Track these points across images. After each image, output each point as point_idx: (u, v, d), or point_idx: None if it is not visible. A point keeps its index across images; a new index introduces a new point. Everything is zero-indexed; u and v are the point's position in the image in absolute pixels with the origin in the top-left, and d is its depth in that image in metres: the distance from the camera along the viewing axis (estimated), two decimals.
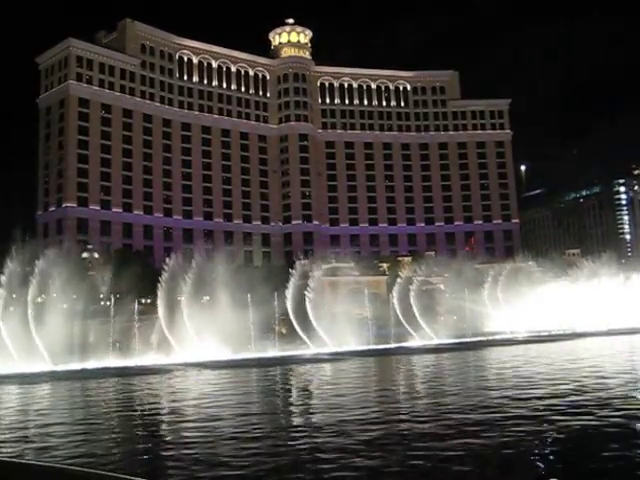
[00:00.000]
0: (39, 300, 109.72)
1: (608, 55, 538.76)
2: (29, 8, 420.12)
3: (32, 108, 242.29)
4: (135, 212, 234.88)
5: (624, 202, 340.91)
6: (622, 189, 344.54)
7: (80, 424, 34.96)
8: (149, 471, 23.24)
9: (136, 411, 41.86)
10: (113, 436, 30.73)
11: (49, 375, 70.69)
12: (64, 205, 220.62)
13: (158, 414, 39.88)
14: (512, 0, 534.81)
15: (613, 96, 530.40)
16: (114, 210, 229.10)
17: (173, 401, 46.43)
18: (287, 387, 56.24)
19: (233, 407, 39.86)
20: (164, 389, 57.73)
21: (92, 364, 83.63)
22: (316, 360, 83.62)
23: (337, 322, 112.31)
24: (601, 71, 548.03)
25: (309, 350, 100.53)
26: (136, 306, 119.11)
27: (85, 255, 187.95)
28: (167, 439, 30.06)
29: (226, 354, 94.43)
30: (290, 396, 46.81)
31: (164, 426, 34.81)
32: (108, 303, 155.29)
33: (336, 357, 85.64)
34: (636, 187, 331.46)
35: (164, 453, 26.43)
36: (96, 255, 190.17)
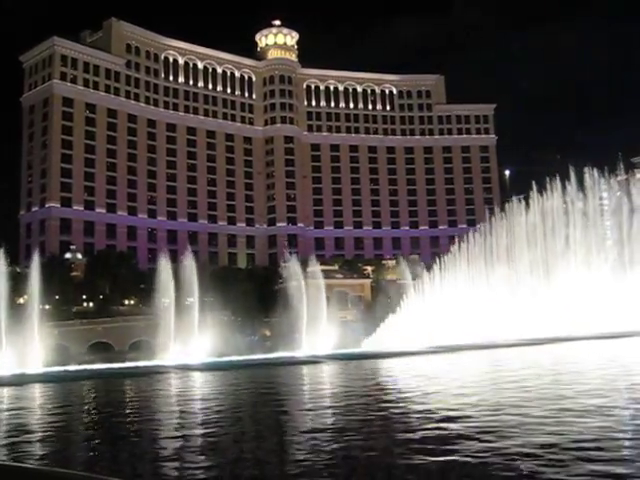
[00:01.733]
0: (21, 301, 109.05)
1: (595, 60, 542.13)
2: (13, 6, 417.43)
3: (16, 107, 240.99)
4: (119, 213, 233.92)
5: (606, 207, 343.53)
6: (605, 194, 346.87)
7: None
8: None
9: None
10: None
11: (31, 377, 69.96)
12: (47, 205, 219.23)
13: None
14: (497, 5, 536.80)
15: (599, 102, 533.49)
16: (98, 211, 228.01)
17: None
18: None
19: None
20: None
21: (74, 366, 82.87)
22: (298, 362, 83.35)
23: (321, 325, 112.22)
24: (587, 77, 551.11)
25: (293, 353, 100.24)
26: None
27: (68, 256, 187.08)
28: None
29: (210, 357, 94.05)
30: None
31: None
32: (91, 304, 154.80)
33: (316, 360, 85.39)
34: (618, 193, 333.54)
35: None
36: (79, 256, 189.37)
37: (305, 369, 76.03)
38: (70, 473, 9.48)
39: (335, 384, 56.77)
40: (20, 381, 66.11)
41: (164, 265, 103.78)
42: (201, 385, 62.69)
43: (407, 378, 57.54)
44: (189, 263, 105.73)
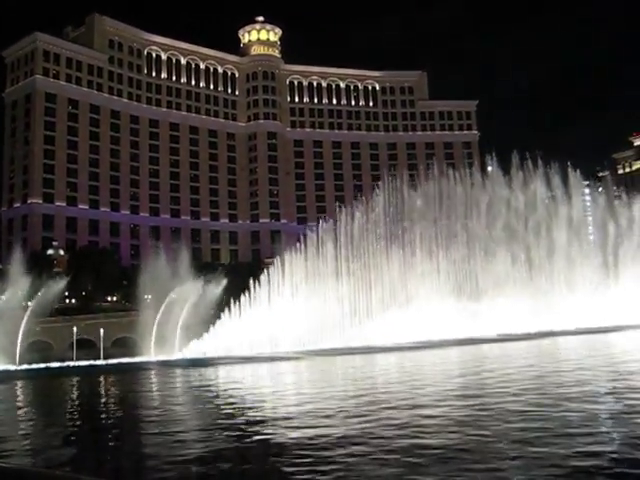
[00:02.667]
0: (2, 298, 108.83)
1: (577, 56, 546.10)
2: None
3: None
4: (102, 209, 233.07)
5: (588, 204, 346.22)
6: (587, 191, 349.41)
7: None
8: None
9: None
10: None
11: (14, 374, 70.15)
12: (29, 201, 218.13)
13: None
14: (481, 1, 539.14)
15: (579, 99, 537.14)
16: (80, 207, 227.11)
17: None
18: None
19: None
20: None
21: (57, 363, 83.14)
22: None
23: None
24: (570, 73, 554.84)
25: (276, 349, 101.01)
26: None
27: (50, 252, 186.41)
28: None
29: (193, 353, 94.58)
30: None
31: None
32: (74, 301, 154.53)
33: (301, 355, 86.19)
34: (600, 189, 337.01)
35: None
36: (61, 252, 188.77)
37: (284, 365, 76.75)
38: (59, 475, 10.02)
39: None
40: (3, 378, 66.35)
41: (147, 261, 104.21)
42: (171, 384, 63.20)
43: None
44: (172, 259, 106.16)
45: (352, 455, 23.11)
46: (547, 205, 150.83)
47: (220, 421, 33.02)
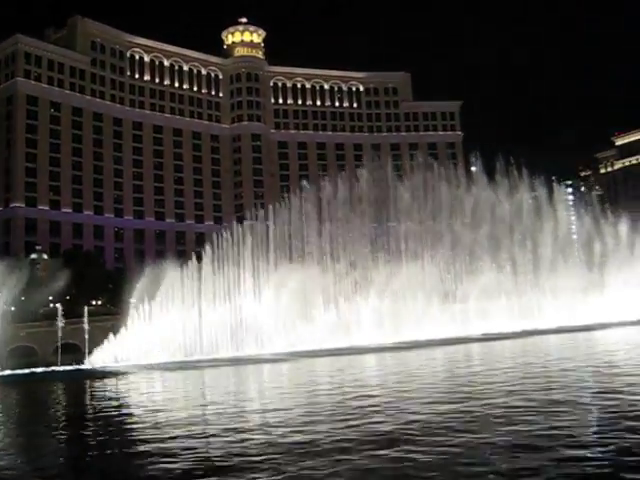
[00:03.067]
0: None
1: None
2: None
3: None
4: (85, 212, 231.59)
5: (571, 203, 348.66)
6: (569, 190, 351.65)
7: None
8: None
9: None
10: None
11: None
12: (12, 205, 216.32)
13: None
14: (465, 2, 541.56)
15: (567, 103, 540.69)
16: (64, 210, 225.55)
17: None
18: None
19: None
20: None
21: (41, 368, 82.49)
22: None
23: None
24: (557, 78, 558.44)
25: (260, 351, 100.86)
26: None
27: (34, 256, 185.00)
28: None
29: (178, 356, 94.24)
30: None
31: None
32: (58, 305, 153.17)
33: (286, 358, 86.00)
34: (582, 188, 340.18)
35: None
36: (45, 256, 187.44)
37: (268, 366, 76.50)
38: None
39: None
40: None
41: (131, 265, 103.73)
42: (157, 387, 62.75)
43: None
44: (156, 262, 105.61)
45: (346, 453, 23.01)
46: (530, 206, 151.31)
47: (210, 426, 32.72)
